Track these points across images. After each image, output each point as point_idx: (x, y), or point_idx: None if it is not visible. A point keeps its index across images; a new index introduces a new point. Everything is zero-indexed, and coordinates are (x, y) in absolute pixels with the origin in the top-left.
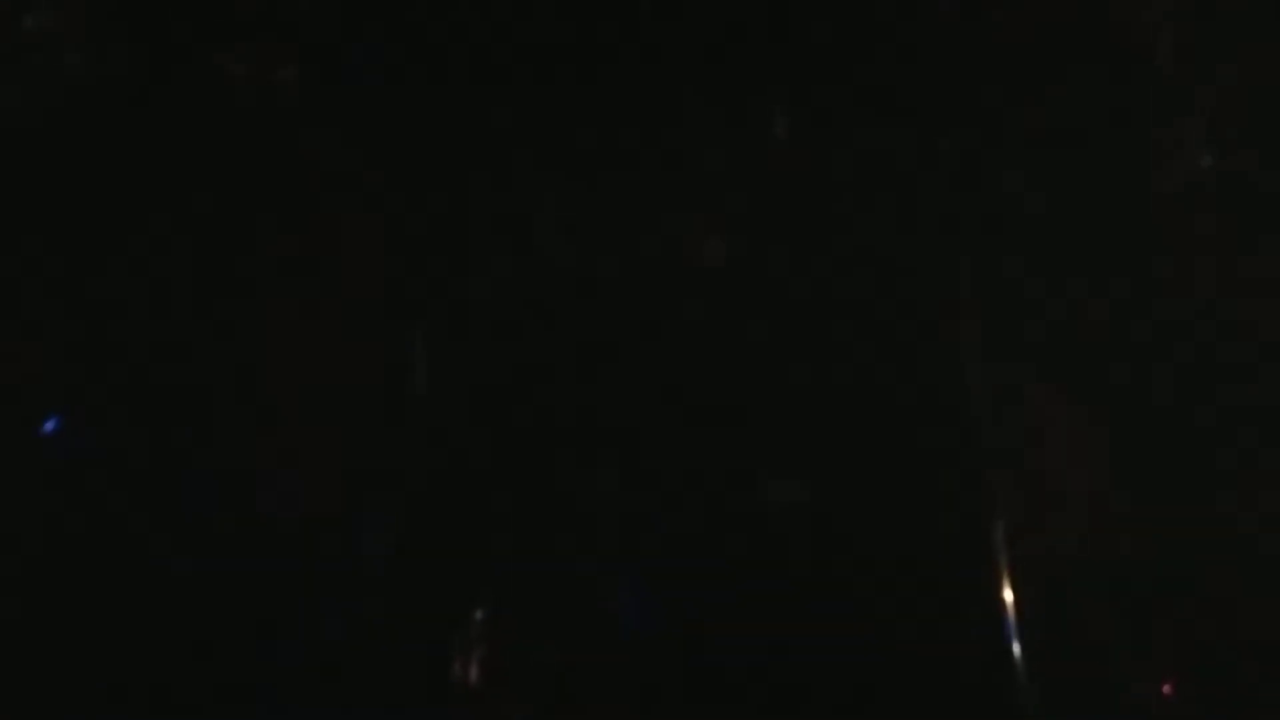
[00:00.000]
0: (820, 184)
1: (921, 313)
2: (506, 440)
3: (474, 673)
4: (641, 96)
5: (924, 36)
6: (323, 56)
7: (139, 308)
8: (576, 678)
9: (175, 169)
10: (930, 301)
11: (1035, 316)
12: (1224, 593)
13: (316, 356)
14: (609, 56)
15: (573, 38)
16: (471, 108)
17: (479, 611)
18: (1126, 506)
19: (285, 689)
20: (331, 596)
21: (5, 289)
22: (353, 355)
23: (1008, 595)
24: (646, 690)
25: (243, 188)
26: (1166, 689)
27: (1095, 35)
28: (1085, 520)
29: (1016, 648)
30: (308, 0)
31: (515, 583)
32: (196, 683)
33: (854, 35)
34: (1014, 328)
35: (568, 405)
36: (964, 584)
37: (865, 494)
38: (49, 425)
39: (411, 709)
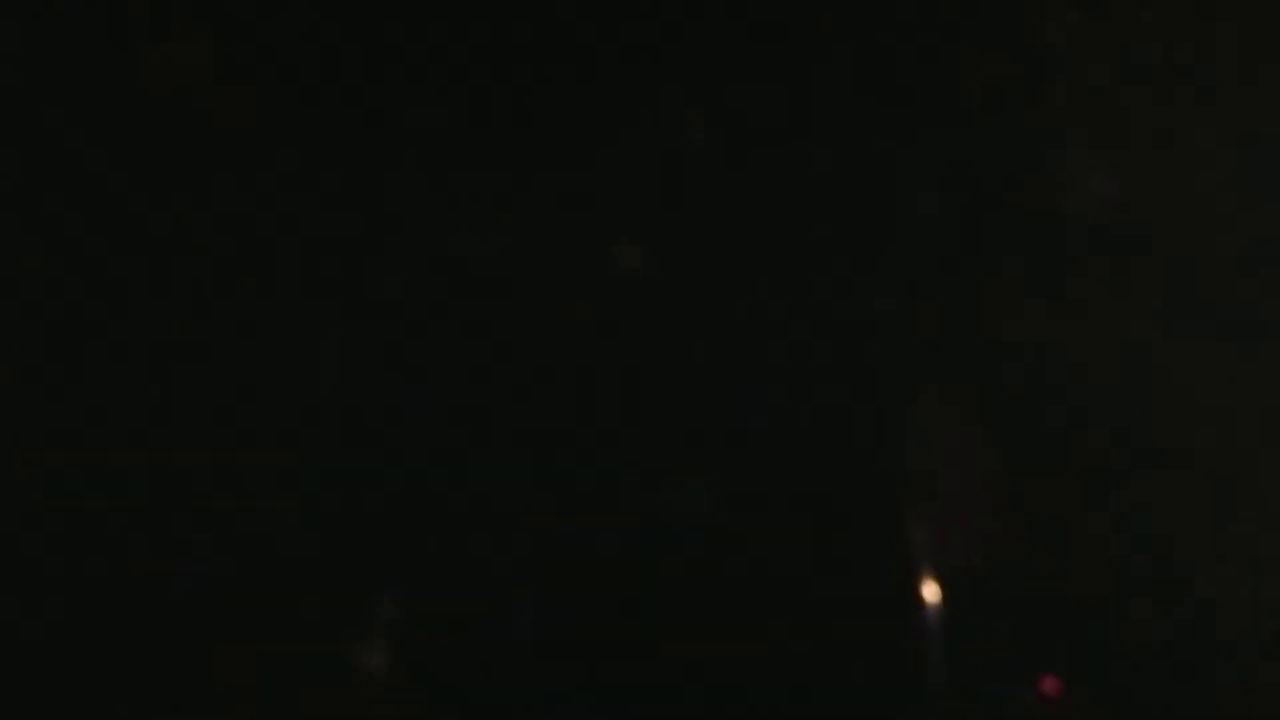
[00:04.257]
0: (735, 190)
1: (840, 330)
2: (417, 441)
3: (377, 669)
4: (559, 99)
5: (839, 53)
6: (242, 45)
7: (59, 300)
8: (478, 678)
9: (90, 157)
10: (847, 318)
11: (944, 339)
12: (1109, 599)
13: (230, 351)
14: (526, 61)
15: (490, 42)
16: (391, 108)
17: (384, 610)
18: (1022, 523)
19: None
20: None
21: None
22: (267, 351)
23: (924, 600)
24: (546, 692)
25: (159, 175)
26: (1054, 688)
27: (1003, 64)
28: (985, 534)
29: (927, 653)
30: None
31: (421, 583)
32: (123, 685)
33: (771, 44)
34: (921, 351)
35: (479, 406)
36: (875, 596)
37: (773, 504)
38: None
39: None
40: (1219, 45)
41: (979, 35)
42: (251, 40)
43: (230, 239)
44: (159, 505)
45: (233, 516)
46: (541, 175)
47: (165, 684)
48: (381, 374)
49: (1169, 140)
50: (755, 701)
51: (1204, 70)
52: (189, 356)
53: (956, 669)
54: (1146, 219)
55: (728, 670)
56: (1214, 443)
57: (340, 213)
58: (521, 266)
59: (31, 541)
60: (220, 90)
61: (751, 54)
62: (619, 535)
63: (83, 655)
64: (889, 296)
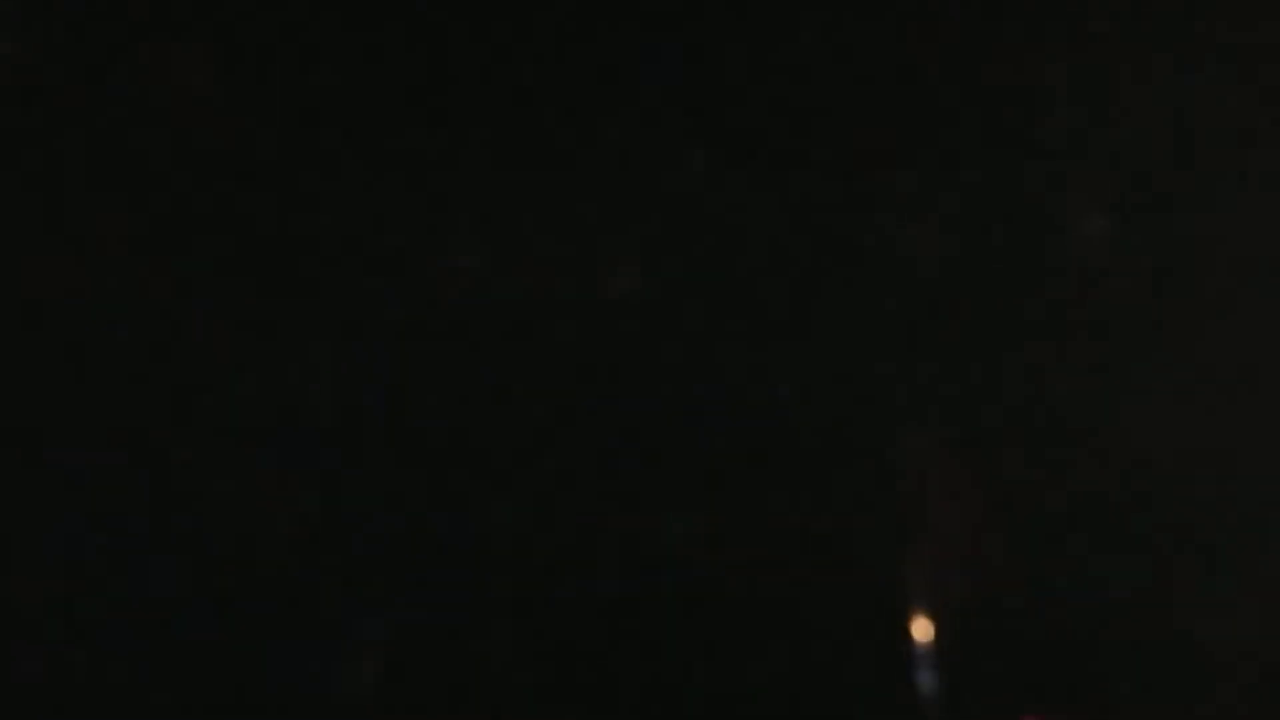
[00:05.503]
0: (733, 216)
1: (833, 363)
2: (407, 460)
3: (368, 688)
4: (557, 121)
5: (838, 90)
6: (242, 60)
7: (56, 302)
8: (466, 700)
9: (89, 160)
10: (841, 351)
11: (937, 375)
12: (1102, 636)
13: (218, 372)
14: (523, 82)
15: (488, 61)
16: (387, 127)
17: (374, 629)
18: (1014, 559)
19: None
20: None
21: None
22: (254, 373)
23: (916, 638)
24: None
25: (154, 177)
26: None
27: (998, 105)
28: (977, 571)
29: (918, 690)
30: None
31: (408, 605)
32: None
33: (771, 76)
34: (914, 386)
35: (470, 428)
36: (866, 632)
37: (762, 538)
38: None
39: None
40: (1214, 85)
41: (975, 76)
42: (250, 50)
43: (216, 258)
44: (145, 524)
45: (217, 538)
46: (537, 197)
47: (150, 706)
48: (371, 396)
49: (1163, 181)
50: None
51: (1198, 110)
52: (175, 376)
53: (948, 707)
54: (1140, 259)
55: (713, 706)
56: (1210, 480)
57: (333, 231)
58: (516, 289)
59: (15, 564)
60: (217, 100)
61: (752, 85)
62: (607, 561)
63: (67, 676)
64: (882, 331)
